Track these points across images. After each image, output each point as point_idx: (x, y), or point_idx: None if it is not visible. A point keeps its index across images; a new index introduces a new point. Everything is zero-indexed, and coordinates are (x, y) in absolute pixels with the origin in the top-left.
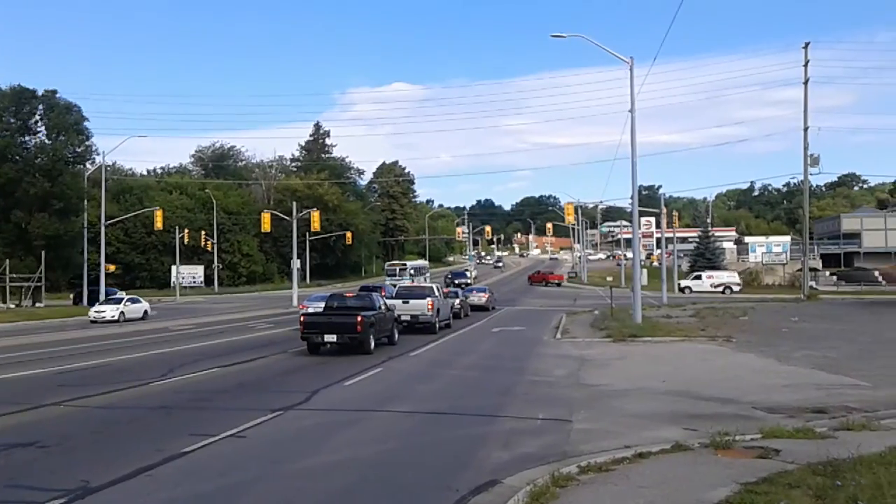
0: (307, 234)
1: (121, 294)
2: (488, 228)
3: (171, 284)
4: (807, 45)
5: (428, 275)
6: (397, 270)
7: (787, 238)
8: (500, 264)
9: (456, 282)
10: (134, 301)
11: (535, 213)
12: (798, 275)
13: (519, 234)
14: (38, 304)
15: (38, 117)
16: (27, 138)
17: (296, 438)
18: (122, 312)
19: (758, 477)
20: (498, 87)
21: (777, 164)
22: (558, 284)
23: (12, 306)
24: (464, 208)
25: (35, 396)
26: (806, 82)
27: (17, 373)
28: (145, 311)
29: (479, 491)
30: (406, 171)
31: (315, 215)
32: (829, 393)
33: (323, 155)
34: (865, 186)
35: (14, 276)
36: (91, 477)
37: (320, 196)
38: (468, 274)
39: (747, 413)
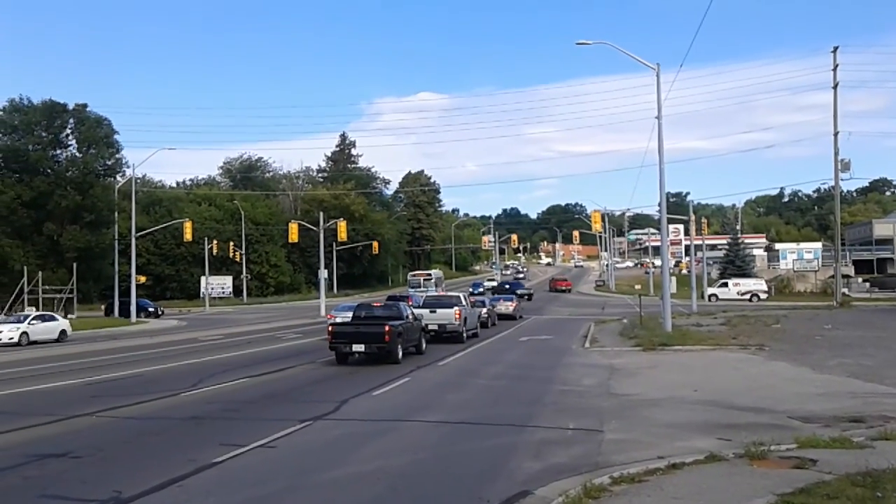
0: (334, 244)
1: (30, 311)
2: (514, 237)
3: (201, 295)
4: (835, 49)
5: (443, 285)
6: (421, 281)
7: (819, 244)
8: (521, 276)
9: (518, 292)
10: (46, 319)
11: (562, 222)
12: (830, 282)
13: (545, 243)
14: (69, 316)
15: (69, 131)
16: (58, 152)
17: (325, 448)
18: (24, 333)
19: (795, 488)
20: (523, 95)
21: (807, 170)
22: (567, 291)
23: None
24: (490, 217)
25: (68, 407)
26: (835, 87)
27: (50, 384)
28: (62, 332)
29: (511, 502)
30: (432, 180)
31: (342, 225)
32: (865, 401)
33: (349, 165)
34: None
35: (46, 287)
36: (123, 487)
37: (347, 206)
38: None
39: (782, 422)
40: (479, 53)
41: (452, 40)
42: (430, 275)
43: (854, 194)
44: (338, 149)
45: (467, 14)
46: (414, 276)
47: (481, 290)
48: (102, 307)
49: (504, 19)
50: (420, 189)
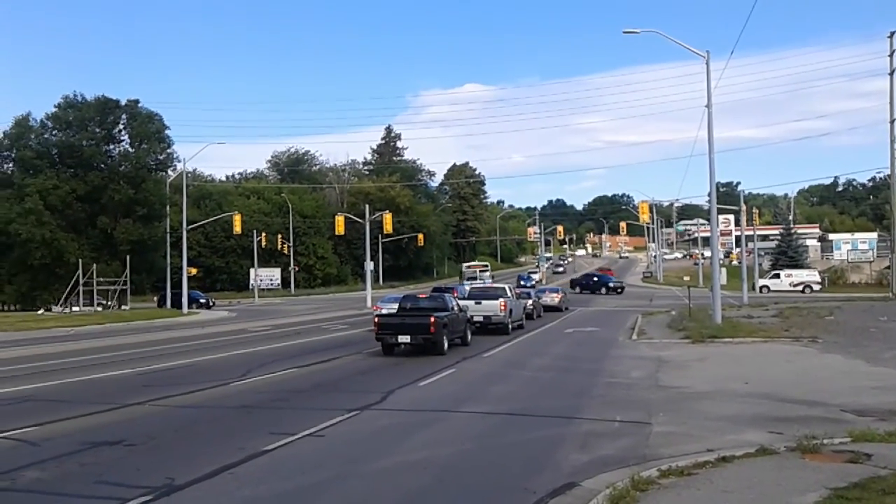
0: (380, 236)
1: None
2: (560, 228)
3: (250, 287)
4: (892, 34)
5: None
6: (477, 273)
7: (874, 234)
8: (561, 268)
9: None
10: None
11: (608, 213)
12: (886, 272)
13: (591, 234)
14: (123, 307)
15: (121, 126)
16: (111, 147)
17: (372, 438)
18: None
19: (849, 482)
20: (569, 85)
21: (862, 159)
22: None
23: (100, 309)
24: (535, 209)
25: (121, 396)
26: (892, 73)
27: (104, 373)
28: None
29: (557, 493)
30: (477, 172)
31: (387, 218)
32: None
33: (394, 158)
34: None
35: (101, 279)
36: (175, 474)
37: (392, 198)
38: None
39: (835, 416)
40: (525, 44)
41: (498, 31)
42: (486, 266)
43: None
44: (383, 141)
45: (513, 4)
46: (469, 267)
47: (532, 283)
48: (155, 298)
49: (550, 9)
50: (465, 181)
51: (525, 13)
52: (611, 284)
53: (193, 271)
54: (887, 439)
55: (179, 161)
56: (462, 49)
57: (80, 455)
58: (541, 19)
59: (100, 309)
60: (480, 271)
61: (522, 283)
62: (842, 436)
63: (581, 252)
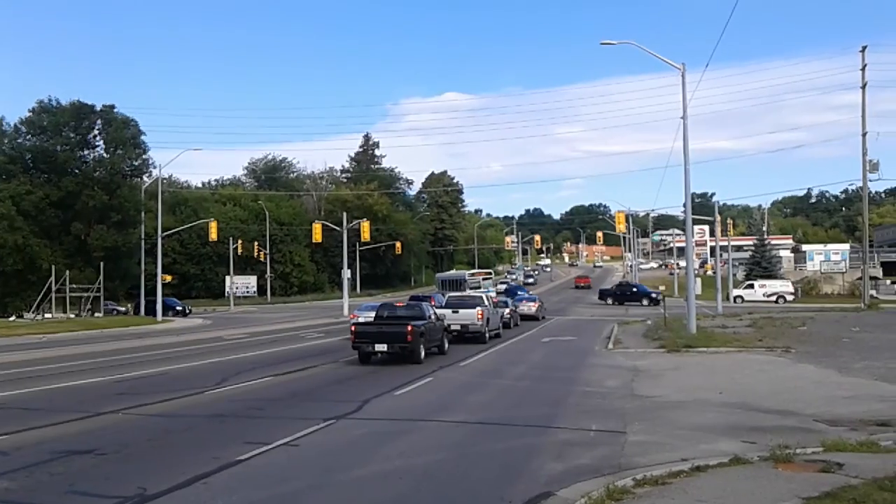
0: (357, 244)
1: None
2: (537, 237)
3: (226, 294)
4: (864, 48)
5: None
6: (480, 281)
7: (846, 246)
8: (531, 279)
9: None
10: None
11: (585, 222)
12: (858, 283)
13: (568, 244)
14: (96, 315)
15: (96, 132)
16: (86, 152)
17: (348, 448)
18: None
19: (820, 491)
20: (549, 95)
21: (835, 171)
22: (588, 287)
23: (72, 316)
24: (513, 217)
25: (93, 404)
26: (864, 87)
27: (76, 381)
28: None
29: (533, 503)
30: (455, 180)
31: (365, 226)
32: (892, 405)
33: (372, 166)
34: None
35: (74, 286)
36: (148, 484)
37: (370, 206)
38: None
39: (808, 426)
40: (506, 54)
41: (479, 40)
42: (489, 273)
43: (882, 195)
44: (361, 149)
45: (494, 13)
46: (473, 275)
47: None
48: (129, 306)
49: (531, 19)
50: (443, 189)
51: (506, 23)
52: (653, 295)
53: (168, 278)
54: (859, 449)
55: (155, 167)
56: (442, 58)
57: (51, 464)
58: (521, 29)
59: (72, 316)
60: (483, 279)
61: (521, 292)
62: (814, 445)
63: (546, 261)
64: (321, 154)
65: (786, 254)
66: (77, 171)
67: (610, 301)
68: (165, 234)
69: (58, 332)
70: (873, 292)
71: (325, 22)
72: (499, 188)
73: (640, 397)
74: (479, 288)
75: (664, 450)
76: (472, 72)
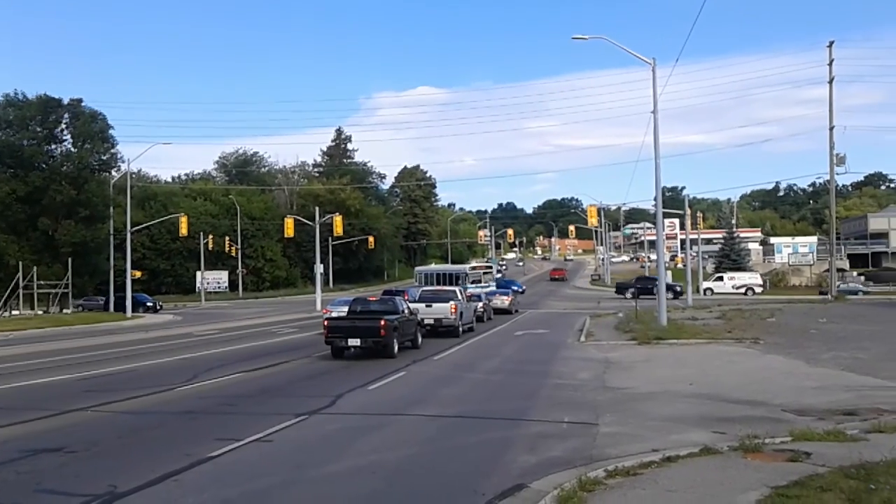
0: (330, 238)
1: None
2: (510, 231)
3: (196, 290)
4: (831, 43)
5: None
6: (481, 275)
7: (814, 238)
8: (499, 274)
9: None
10: None
11: (558, 216)
12: (825, 275)
13: (541, 237)
14: (65, 311)
15: (63, 126)
16: (53, 147)
17: (321, 443)
18: None
19: (788, 480)
20: (522, 89)
21: (803, 164)
22: (563, 279)
23: (40, 312)
24: (486, 212)
25: (62, 402)
26: (831, 81)
27: (44, 379)
28: None
29: (506, 495)
30: (428, 175)
31: (337, 220)
32: (859, 395)
33: (345, 160)
34: (892, 186)
35: (41, 282)
36: (118, 482)
37: (342, 201)
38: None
39: (776, 416)
40: (479, 47)
41: (451, 34)
42: (489, 268)
43: (849, 188)
44: (333, 143)
45: (467, 8)
46: (474, 269)
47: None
48: (100, 301)
49: (503, 13)
50: (416, 184)
51: (478, 16)
52: (677, 289)
53: (138, 274)
54: (826, 438)
55: (123, 161)
56: (415, 52)
57: (18, 463)
58: (494, 23)
59: (40, 313)
60: (485, 272)
61: (515, 288)
62: (783, 435)
63: (511, 255)
64: (293, 148)
65: (754, 246)
66: (44, 165)
67: (629, 295)
68: (135, 229)
69: (25, 328)
70: (840, 284)
71: (297, 15)
72: (472, 182)
73: (612, 389)
74: (479, 282)
75: (635, 441)
76: (445, 66)
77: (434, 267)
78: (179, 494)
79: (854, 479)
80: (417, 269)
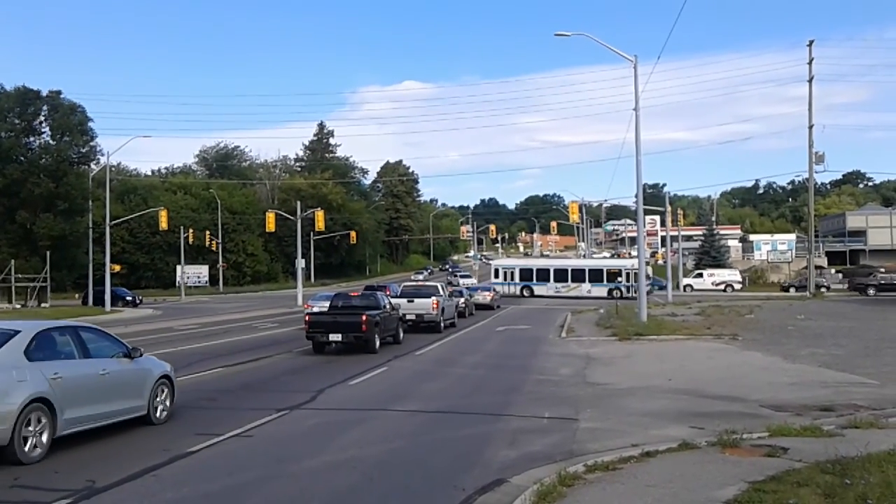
0: (311, 233)
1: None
2: (492, 227)
3: (176, 284)
4: (811, 42)
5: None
6: (502, 273)
7: (793, 236)
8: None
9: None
10: None
11: (540, 212)
12: (803, 272)
13: (523, 234)
14: (43, 305)
15: (42, 118)
16: (32, 139)
17: (301, 438)
18: None
19: (766, 475)
20: (508, 84)
21: (782, 162)
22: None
23: (18, 306)
24: (468, 207)
25: None
26: (810, 80)
27: None
28: None
29: (486, 490)
30: (410, 170)
31: (319, 215)
32: (836, 391)
33: (327, 155)
34: (870, 184)
35: (19, 276)
36: (97, 477)
37: (324, 196)
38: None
39: (754, 411)
40: (466, 42)
41: (439, 28)
42: (513, 268)
43: (828, 186)
44: (315, 138)
45: (454, 1)
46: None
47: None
48: (77, 296)
49: (491, 7)
50: (398, 179)
51: (466, 10)
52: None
53: (117, 268)
54: (803, 433)
55: (103, 154)
56: (401, 46)
57: None
58: (482, 17)
59: (17, 306)
60: (506, 273)
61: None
62: (760, 430)
63: (478, 254)
64: (276, 142)
65: (734, 243)
66: (22, 158)
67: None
68: (114, 222)
69: None
70: (822, 281)
71: (282, 8)
72: (455, 178)
73: (593, 385)
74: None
75: (615, 436)
76: (431, 60)
77: (514, 262)
78: (158, 489)
79: (830, 474)
80: (496, 262)
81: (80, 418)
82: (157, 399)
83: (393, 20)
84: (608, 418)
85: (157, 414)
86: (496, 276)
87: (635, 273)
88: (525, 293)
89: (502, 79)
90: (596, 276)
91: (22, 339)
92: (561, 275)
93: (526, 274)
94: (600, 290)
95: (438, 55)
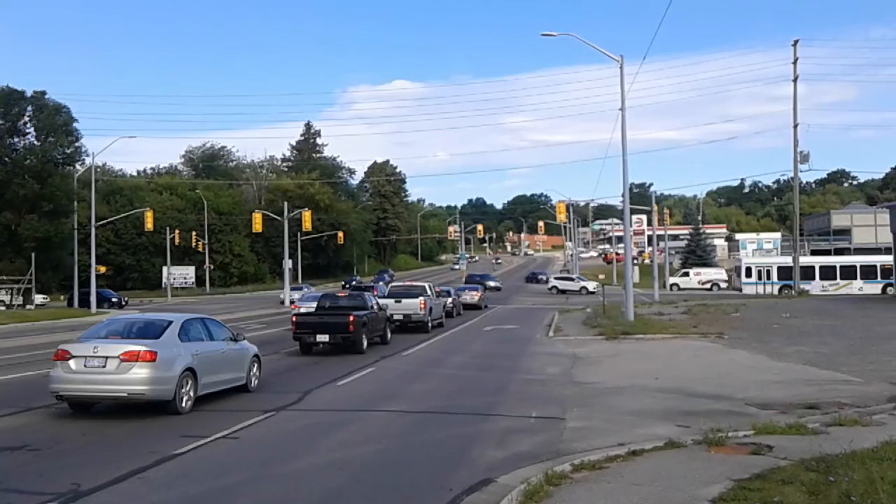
0: (298, 234)
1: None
2: (480, 227)
3: (163, 285)
4: (796, 42)
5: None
6: (755, 272)
7: (778, 235)
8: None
9: None
10: None
11: (527, 212)
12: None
13: (511, 233)
14: (28, 306)
15: (27, 119)
16: (16, 140)
17: (288, 439)
18: None
19: (751, 473)
20: (496, 84)
21: (768, 161)
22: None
23: (2, 308)
24: (456, 207)
25: (24, 399)
26: (795, 80)
27: (5, 376)
28: None
29: (474, 490)
30: (398, 170)
31: (306, 215)
32: (820, 389)
33: (314, 154)
34: (855, 183)
35: (4, 277)
36: (82, 480)
37: (311, 196)
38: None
39: (740, 409)
40: (456, 42)
41: (429, 28)
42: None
43: (813, 185)
44: (302, 138)
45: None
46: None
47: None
48: (63, 298)
49: (481, 7)
50: (386, 179)
51: (455, 11)
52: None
53: (102, 269)
54: (788, 431)
55: (88, 155)
56: (391, 45)
57: None
58: (471, 17)
59: (2, 309)
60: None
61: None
62: (746, 428)
63: (464, 254)
64: (263, 143)
65: (720, 242)
66: (7, 159)
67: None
68: (99, 223)
69: None
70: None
71: (271, 7)
72: (443, 178)
73: (580, 384)
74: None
75: (602, 435)
76: (421, 60)
77: (771, 259)
78: (145, 492)
79: (814, 471)
80: (746, 260)
81: (209, 383)
82: (251, 372)
83: (381, 19)
84: (595, 417)
85: (252, 383)
86: (748, 275)
87: None
88: (784, 293)
89: (493, 78)
90: (868, 272)
91: (175, 326)
92: (828, 272)
93: (785, 273)
94: (873, 288)
95: (429, 54)
